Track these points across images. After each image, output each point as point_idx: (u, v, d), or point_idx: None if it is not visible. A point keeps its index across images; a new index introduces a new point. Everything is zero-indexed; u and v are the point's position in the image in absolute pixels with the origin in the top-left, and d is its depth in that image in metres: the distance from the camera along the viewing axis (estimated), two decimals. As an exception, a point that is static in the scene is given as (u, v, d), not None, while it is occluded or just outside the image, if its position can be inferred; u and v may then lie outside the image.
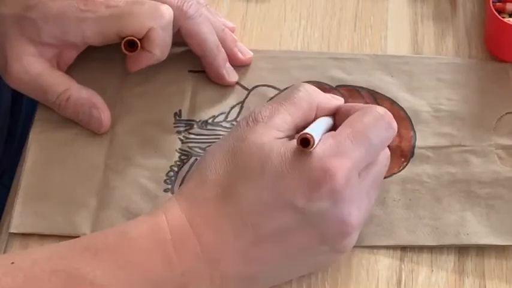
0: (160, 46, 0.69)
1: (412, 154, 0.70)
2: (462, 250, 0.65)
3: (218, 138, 0.70)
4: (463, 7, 0.80)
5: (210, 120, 0.72)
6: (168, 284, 0.57)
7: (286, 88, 0.73)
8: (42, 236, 0.65)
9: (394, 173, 0.69)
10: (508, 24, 0.73)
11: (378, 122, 0.61)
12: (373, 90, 0.74)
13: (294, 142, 0.58)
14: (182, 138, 0.71)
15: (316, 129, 0.59)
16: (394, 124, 0.62)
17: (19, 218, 0.66)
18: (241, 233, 0.57)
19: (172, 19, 0.70)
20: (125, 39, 0.68)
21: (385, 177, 0.68)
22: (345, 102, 0.72)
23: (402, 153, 0.70)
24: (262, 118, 0.60)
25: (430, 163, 0.69)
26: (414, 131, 0.71)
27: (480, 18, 0.79)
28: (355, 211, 0.59)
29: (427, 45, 0.77)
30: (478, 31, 0.78)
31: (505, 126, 0.72)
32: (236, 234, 0.57)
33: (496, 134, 0.71)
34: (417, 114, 0.72)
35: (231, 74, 0.74)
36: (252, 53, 0.76)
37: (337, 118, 0.64)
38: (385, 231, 0.66)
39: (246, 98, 0.74)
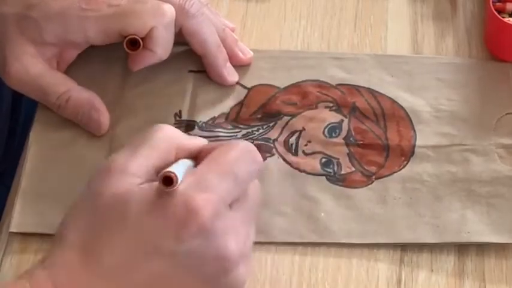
0: (163, 45, 0.69)
1: (413, 153, 0.70)
2: (462, 250, 0.65)
3: (218, 139, 0.70)
4: (463, 7, 0.80)
5: (210, 121, 0.72)
6: None
7: (287, 87, 0.74)
8: (42, 236, 0.65)
9: (395, 172, 0.69)
10: (508, 24, 0.73)
11: (243, 156, 0.58)
12: (373, 90, 0.74)
13: (154, 185, 0.55)
14: None
15: (178, 168, 0.55)
16: (259, 158, 0.60)
17: (19, 217, 0.66)
18: None
19: (174, 18, 0.69)
20: (127, 38, 0.68)
21: (385, 176, 0.69)
22: (345, 100, 0.73)
23: (402, 152, 0.70)
24: (115, 167, 0.56)
25: (430, 162, 0.69)
26: (414, 131, 0.71)
27: (480, 18, 0.79)
28: (232, 244, 0.55)
29: (427, 45, 0.77)
30: (478, 31, 0.78)
31: (505, 126, 0.72)
32: None
33: (496, 134, 0.71)
34: (417, 114, 0.72)
35: (231, 74, 0.74)
36: (252, 53, 0.76)
37: (200, 158, 0.59)
38: (386, 229, 0.66)
39: (245, 97, 0.74)
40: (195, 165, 0.58)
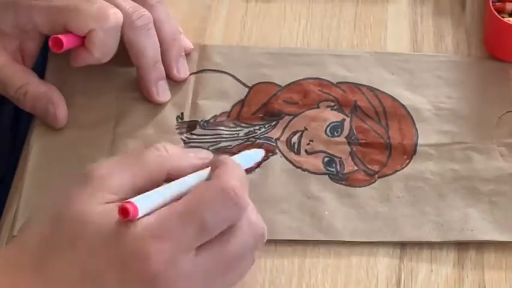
0: (100, 48, 0.68)
1: (415, 152, 0.70)
2: (461, 249, 0.65)
3: (220, 138, 0.70)
4: (463, 7, 0.80)
5: (212, 120, 0.72)
6: None
7: (288, 85, 0.74)
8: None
9: (397, 170, 0.69)
10: (508, 24, 0.73)
11: (217, 199, 0.53)
12: (374, 88, 0.74)
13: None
14: (184, 138, 0.71)
15: (151, 197, 0.53)
16: (242, 202, 0.54)
17: (23, 220, 0.65)
18: None
19: (119, 24, 0.68)
20: (51, 37, 0.68)
21: (388, 175, 0.69)
22: (346, 98, 0.73)
23: (405, 150, 0.70)
24: (96, 176, 0.54)
25: (432, 160, 0.69)
26: (416, 129, 0.71)
27: (480, 18, 0.79)
28: None
29: (426, 45, 0.77)
30: (478, 31, 0.78)
31: (506, 124, 0.72)
32: None
33: (498, 132, 0.71)
34: (418, 112, 0.72)
35: (161, 93, 0.72)
36: (187, 74, 0.74)
37: (212, 169, 0.57)
38: (390, 227, 0.66)
39: (247, 96, 0.74)
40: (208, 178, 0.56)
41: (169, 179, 0.56)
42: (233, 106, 0.73)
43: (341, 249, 0.65)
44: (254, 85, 0.74)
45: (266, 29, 0.79)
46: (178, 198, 0.54)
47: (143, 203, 0.52)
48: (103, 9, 0.68)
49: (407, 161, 0.70)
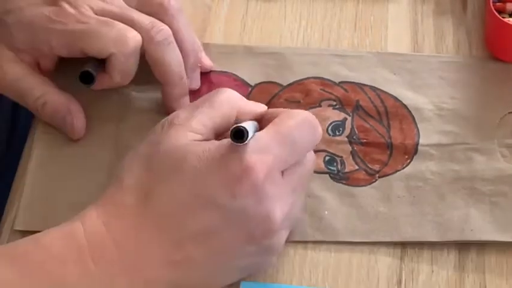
0: (121, 72, 0.68)
1: (416, 151, 0.70)
2: (462, 249, 0.65)
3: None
4: (464, 7, 0.80)
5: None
6: None
7: (290, 84, 0.74)
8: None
9: (398, 170, 0.69)
10: (508, 24, 0.73)
11: (302, 124, 0.60)
12: (376, 88, 0.74)
13: (212, 142, 0.58)
14: None
15: (248, 125, 0.57)
16: (319, 129, 0.62)
17: (24, 215, 0.66)
18: (162, 236, 0.56)
19: (139, 47, 0.67)
20: (81, 71, 0.67)
21: (389, 175, 0.69)
22: (348, 98, 0.73)
23: (406, 150, 0.70)
24: (178, 121, 0.59)
25: (433, 160, 0.69)
26: (417, 129, 0.71)
27: (480, 18, 0.79)
28: (278, 208, 0.58)
29: (427, 45, 0.77)
30: (479, 31, 0.78)
31: (508, 125, 0.72)
32: (157, 239, 0.56)
33: (499, 133, 0.71)
34: (420, 112, 0.72)
35: None
36: (199, 85, 0.73)
37: (262, 122, 0.62)
38: (390, 227, 0.66)
39: (249, 94, 0.73)
40: (258, 130, 0.60)
41: (237, 118, 0.62)
42: None
43: (342, 249, 0.65)
44: (257, 84, 0.74)
45: (266, 29, 0.79)
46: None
47: (248, 127, 0.56)
48: (122, 33, 0.67)
49: (408, 160, 0.70)
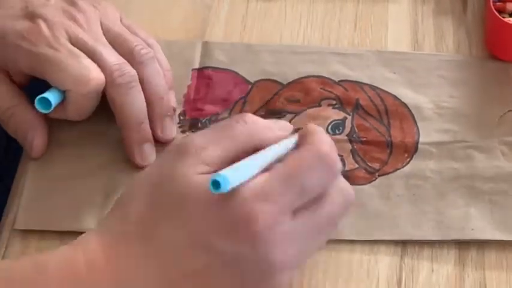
0: (76, 109, 0.67)
1: (416, 150, 0.70)
2: (462, 249, 0.65)
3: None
4: (464, 7, 0.80)
5: (213, 118, 0.72)
6: None
7: (290, 83, 0.74)
8: (43, 234, 0.65)
9: (398, 169, 0.69)
10: (508, 24, 0.73)
11: (315, 164, 0.56)
12: (376, 86, 0.74)
13: None
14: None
15: (244, 167, 0.55)
16: (336, 166, 0.58)
17: (24, 214, 0.66)
18: (159, 273, 0.55)
19: (100, 88, 0.66)
20: (37, 97, 0.65)
21: (389, 173, 0.69)
22: (348, 97, 0.73)
23: (406, 149, 0.70)
24: (193, 149, 0.56)
25: (433, 159, 0.69)
26: (417, 127, 0.71)
27: (480, 18, 0.79)
28: (278, 254, 0.54)
29: (427, 44, 0.77)
30: (479, 31, 0.78)
31: (507, 123, 0.72)
32: (154, 274, 0.55)
33: (499, 131, 0.71)
34: (420, 111, 0.72)
35: (144, 157, 0.69)
36: (173, 135, 0.71)
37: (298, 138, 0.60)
38: (390, 225, 0.66)
39: (249, 92, 0.73)
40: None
41: (256, 149, 0.58)
42: (235, 103, 0.73)
43: (342, 249, 0.65)
44: (256, 82, 0.74)
45: (267, 28, 0.79)
46: (267, 167, 0.56)
47: (233, 174, 0.53)
48: (84, 72, 0.65)
49: (408, 159, 0.70)
